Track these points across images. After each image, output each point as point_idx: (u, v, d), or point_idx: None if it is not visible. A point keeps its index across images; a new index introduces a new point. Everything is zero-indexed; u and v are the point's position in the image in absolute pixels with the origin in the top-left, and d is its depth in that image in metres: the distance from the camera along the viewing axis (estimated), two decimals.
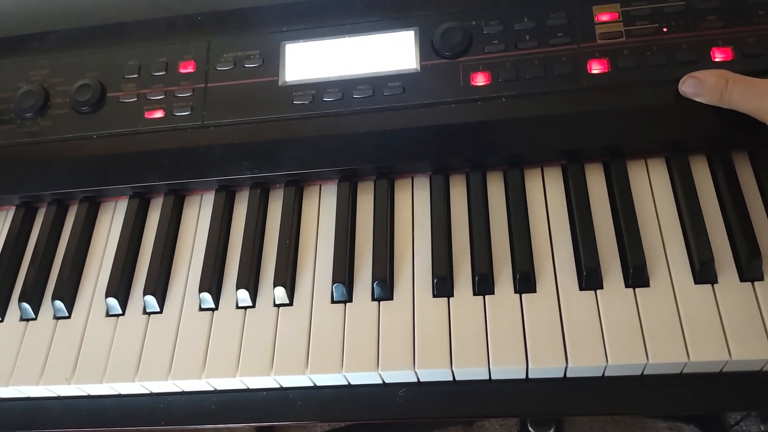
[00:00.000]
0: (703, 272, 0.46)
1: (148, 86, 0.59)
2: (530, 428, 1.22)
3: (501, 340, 0.46)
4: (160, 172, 0.57)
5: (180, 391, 0.51)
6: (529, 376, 0.47)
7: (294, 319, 0.50)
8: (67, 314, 0.54)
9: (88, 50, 0.61)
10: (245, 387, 0.50)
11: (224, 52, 0.58)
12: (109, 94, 0.59)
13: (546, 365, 0.45)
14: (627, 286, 0.47)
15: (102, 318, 0.53)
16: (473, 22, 0.55)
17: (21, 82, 0.61)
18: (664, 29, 0.53)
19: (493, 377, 0.47)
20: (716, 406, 0.49)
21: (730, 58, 0.51)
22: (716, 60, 0.51)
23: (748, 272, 0.46)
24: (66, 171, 0.58)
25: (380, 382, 0.48)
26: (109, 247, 0.57)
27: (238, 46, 0.58)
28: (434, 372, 0.47)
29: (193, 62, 0.59)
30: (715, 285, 0.46)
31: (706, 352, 0.44)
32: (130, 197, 0.58)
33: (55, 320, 0.54)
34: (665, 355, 0.44)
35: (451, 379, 0.48)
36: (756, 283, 0.46)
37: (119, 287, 0.54)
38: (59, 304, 0.54)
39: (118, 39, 0.61)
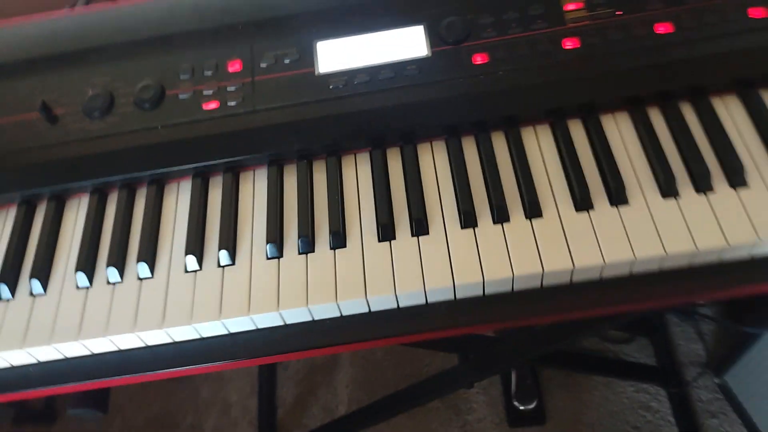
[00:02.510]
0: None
1: (202, 83, 0.68)
2: (515, 402, 1.33)
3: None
4: (219, 152, 0.66)
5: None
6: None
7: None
8: (150, 275, 0.63)
9: (144, 58, 0.71)
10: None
11: (265, 52, 0.69)
12: (168, 92, 0.68)
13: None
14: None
15: (181, 273, 0.62)
16: (470, 16, 0.68)
17: (87, 87, 0.70)
18: (618, 12, 0.67)
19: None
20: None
21: (671, 31, 0.65)
22: (659, 32, 0.65)
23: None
24: (135, 157, 0.67)
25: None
26: (180, 217, 0.66)
27: (277, 47, 0.69)
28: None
29: (240, 61, 0.69)
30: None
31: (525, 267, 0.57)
32: (193, 176, 0.68)
33: (139, 281, 0.62)
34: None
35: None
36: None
37: (195, 246, 0.62)
38: (143, 265, 0.62)
39: (170, 47, 0.71)
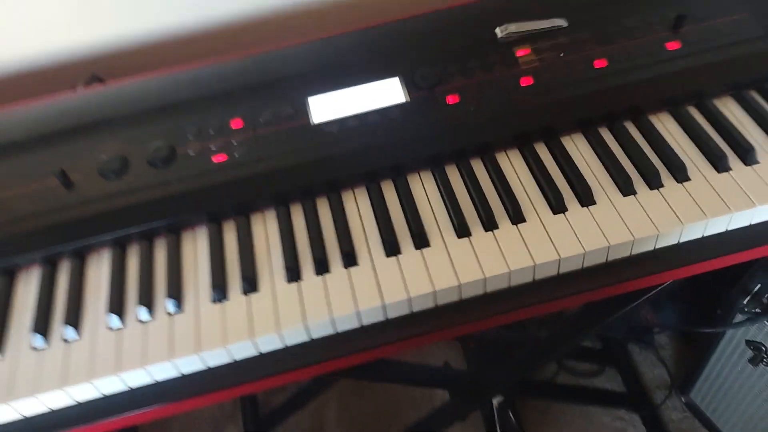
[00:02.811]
0: (461, 231, 0.69)
1: (209, 140, 0.76)
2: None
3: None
4: (230, 198, 0.73)
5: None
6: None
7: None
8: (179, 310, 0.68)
9: (153, 123, 0.78)
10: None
11: (263, 110, 0.78)
12: (179, 150, 0.76)
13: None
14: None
15: (208, 304, 0.68)
16: (439, 65, 0.79)
17: (100, 153, 0.76)
18: (561, 54, 0.79)
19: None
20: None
21: (606, 65, 0.78)
22: (597, 66, 0.78)
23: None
24: (151, 209, 0.73)
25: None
26: (201, 261, 0.71)
27: (274, 104, 0.78)
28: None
29: (241, 120, 0.78)
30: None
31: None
32: (207, 222, 0.74)
33: (168, 316, 0.67)
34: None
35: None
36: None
37: (220, 280, 0.68)
38: (172, 300, 0.67)
39: (175, 113, 0.79)
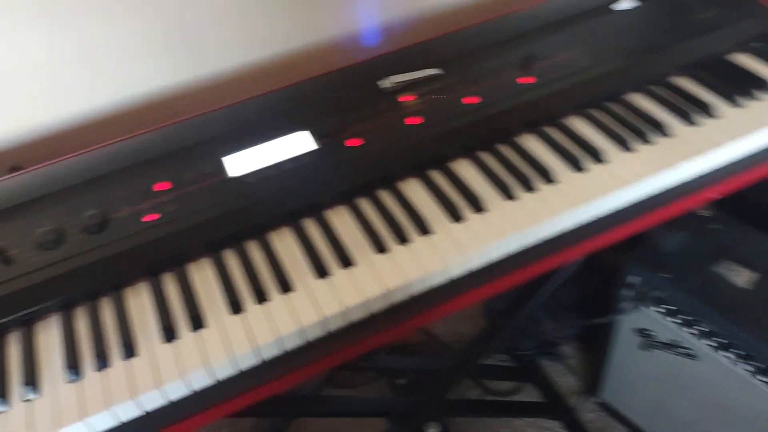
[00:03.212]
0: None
1: (140, 204, 0.83)
2: None
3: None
4: (166, 252, 0.80)
5: None
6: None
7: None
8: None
9: (84, 196, 0.84)
10: None
11: (186, 171, 0.86)
12: (111, 216, 0.82)
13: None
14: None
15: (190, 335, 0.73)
16: (339, 116, 0.91)
17: (36, 228, 0.81)
18: (439, 96, 0.94)
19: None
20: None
21: (476, 101, 0.93)
22: (466, 103, 0.92)
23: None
24: (92, 272, 0.78)
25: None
26: (148, 311, 0.77)
27: (194, 165, 0.87)
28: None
29: (166, 183, 0.85)
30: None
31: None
32: (147, 278, 0.80)
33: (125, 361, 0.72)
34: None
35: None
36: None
37: (168, 323, 0.74)
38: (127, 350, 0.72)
39: (105, 184, 0.86)
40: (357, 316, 0.76)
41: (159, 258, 0.80)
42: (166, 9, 0.99)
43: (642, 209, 0.85)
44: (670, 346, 1.23)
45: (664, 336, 1.23)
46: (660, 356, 1.28)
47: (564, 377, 1.65)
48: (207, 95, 1.08)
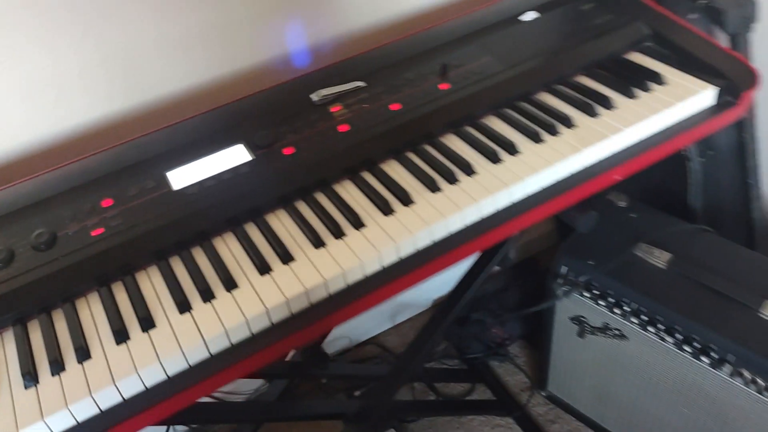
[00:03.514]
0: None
1: (86, 220, 0.87)
2: None
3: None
4: (114, 262, 0.84)
5: None
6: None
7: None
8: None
9: (31, 218, 0.88)
10: None
11: (129, 188, 0.91)
12: (59, 234, 0.86)
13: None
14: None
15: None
16: (274, 129, 0.97)
17: None
18: (365, 105, 1.01)
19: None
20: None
21: (399, 108, 1.01)
22: (392, 109, 1.00)
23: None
24: (43, 286, 0.81)
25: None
26: (99, 320, 0.80)
27: (137, 181, 0.91)
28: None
29: (111, 199, 0.90)
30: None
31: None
32: (98, 288, 0.83)
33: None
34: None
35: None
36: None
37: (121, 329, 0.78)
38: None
39: (51, 205, 0.89)
40: (299, 306, 0.81)
41: (105, 268, 0.83)
42: (108, 39, 1.04)
43: (555, 192, 0.93)
44: (602, 329, 1.32)
45: (596, 320, 1.32)
46: (595, 342, 1.36)
47: (513, 376, 1.72)
48: (149, 119, 1.13)
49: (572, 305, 1.34)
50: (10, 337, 0.80)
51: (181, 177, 0.92)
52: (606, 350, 1.35)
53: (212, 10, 1.12)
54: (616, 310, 1.26)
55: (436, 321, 1.20)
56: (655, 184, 1.44)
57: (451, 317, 1.19)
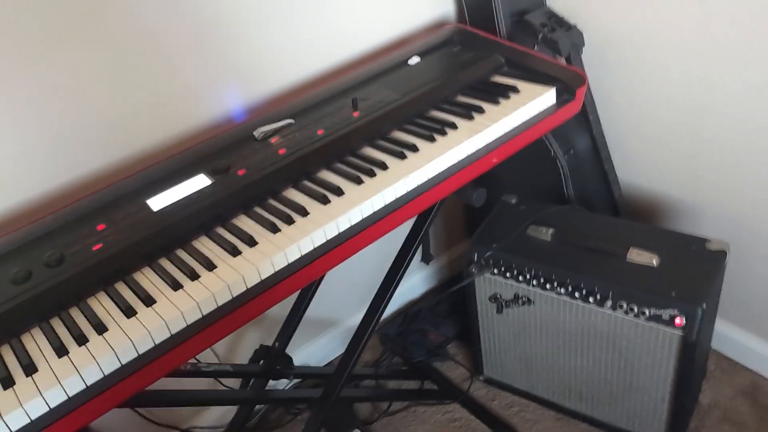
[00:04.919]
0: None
1: (86, 239, 1.06)
2: None
3: None
4: (111, 267, 1.03)
5: None
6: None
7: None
8: None
9: (40, 246, 1.06)
10: None
11: (116, 215, 1.11)
12: (66, 252, 1.04)
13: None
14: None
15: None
16: (229, 158, 1.21)
17: (7, 272, 1.01)
18: (296, 134, 1.27)
19: None
20: None
21: (323, 132, 1.26)
22: (319, 134, 1.26)
23: None
24: (57, 291, 0.99)
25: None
26: (111, 309, 0.98)
27: (124, 208, 1.12)
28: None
29: (104, 224, 1.10)
30: None
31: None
32: (103, 287, 1.02)
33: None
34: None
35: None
36: None
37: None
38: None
39: (55, 235, 1.09)
40: (266, 273, 1.02)
41: (106, 272, 1.02)
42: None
43: (454, 171, 1.19)
44: (514, 300, 1.56)
45: (508, 294, 1.57)
46: (511, 314, 1.60)
47: (454, 371, 1.92)
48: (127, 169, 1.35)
49: (487, 286, 1.59)
50: (39, 333, 0.96)
51: (160, 201, 1.13)
52: (520, 318, 1.59)
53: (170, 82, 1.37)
54: (521, 278, 1.51)
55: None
56: (536, 183, 1.75)
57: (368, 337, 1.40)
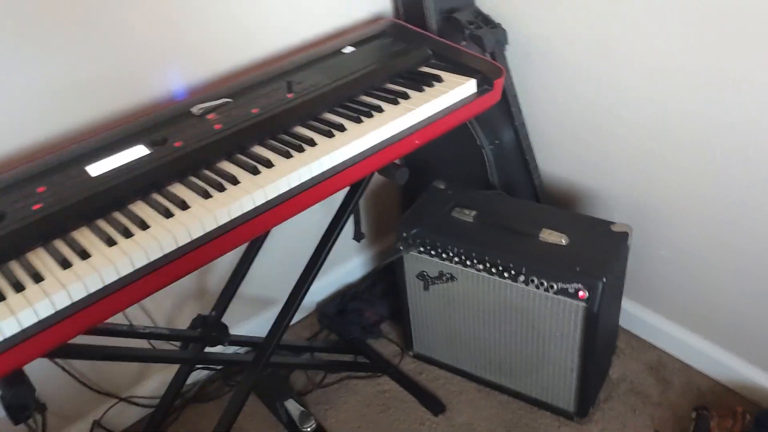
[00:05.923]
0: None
1: (27, 200, 1.12)
2: (303, 428, 1.71)
3: None
4: (49, 226, 1.09)
5: None
6: None
7: None
8: None
9: None
10: None
11: (56, 179, 1.17)
12: (8, 209, 1.10)
13: None
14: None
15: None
16: (168, 132, 1.28)
17: None
18: (233, 112, 1.35)
19: None
20: None
21: (257, 111, 1.35)
22: (253, 113, 1.34)
23: None
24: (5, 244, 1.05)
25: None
26: (49, 263, 1.05)
27: (64, 173, 1.18)
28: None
29: (44, 186, 1.16)
30: None
31: None
32: (42, 245, 1.08)
33: None
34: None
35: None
36: None
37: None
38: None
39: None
40: (197, 234, 1.10)
41: (45, 229, 1.09)
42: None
43: (378, 149, 1.29)
44: (439, 277, 1.67)
45: (433, 271, 1.67)
46: (437, 291, 1.71)
47: (386, 348, 2.02)
48: (69, 141, 1.41)
49: (415, 263, 1.69)
50: None
51: (99, 167, 1.20)
52: (445, 295, 1.70)
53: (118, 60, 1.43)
54: (444, 256, 1.62)
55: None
56: (463, 170, 1.87)
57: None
